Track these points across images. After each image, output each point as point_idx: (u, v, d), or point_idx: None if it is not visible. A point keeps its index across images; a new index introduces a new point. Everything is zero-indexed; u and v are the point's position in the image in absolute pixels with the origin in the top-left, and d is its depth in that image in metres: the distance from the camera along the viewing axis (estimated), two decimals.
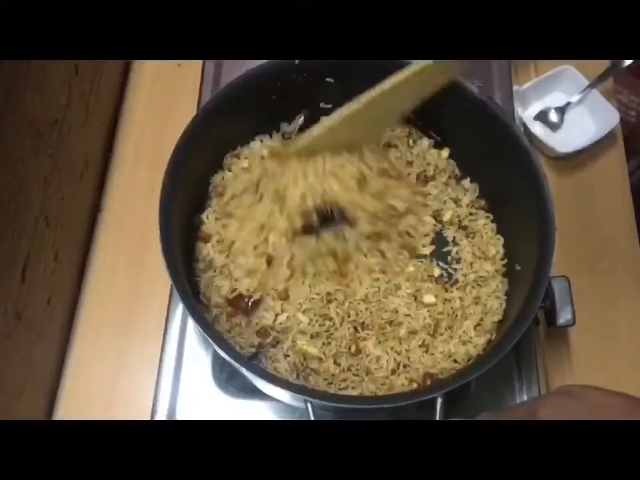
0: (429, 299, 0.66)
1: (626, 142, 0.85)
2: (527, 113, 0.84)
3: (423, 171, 0.74)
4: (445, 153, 0.74)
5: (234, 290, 0.66)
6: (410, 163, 0.74)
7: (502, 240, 0.70)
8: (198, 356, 0.71)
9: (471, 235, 0.71)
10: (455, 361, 0.64)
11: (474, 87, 0.67)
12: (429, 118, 0.73)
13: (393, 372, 0.63)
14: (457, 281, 0.68)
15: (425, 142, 0.75)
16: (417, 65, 0.59)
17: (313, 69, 0.69)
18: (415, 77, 0.59)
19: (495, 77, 0.86)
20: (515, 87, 0.85)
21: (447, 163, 0.74)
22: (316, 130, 0.63)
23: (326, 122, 0.63)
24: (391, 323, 0.65)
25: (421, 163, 0.74)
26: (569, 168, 0.83)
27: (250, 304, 0.66)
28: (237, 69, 0.68)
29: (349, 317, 0.65)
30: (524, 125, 0.83)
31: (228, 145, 0.72)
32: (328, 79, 0.71)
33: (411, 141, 0.75)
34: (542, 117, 0.85)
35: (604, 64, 0.84)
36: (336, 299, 0.65)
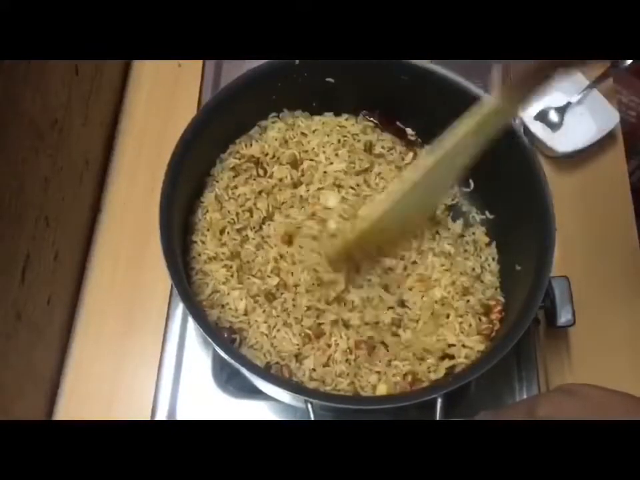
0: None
1: (626, 142, 0.85)
2: (526, 113, 0.84)
3: None
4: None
5: None
6: None
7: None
8: (198, 356, 0.71)
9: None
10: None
11: (474, 87, 0.67)
12: (427, 120, 0.73)
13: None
14: None
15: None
16: (473, 117, 0.55)
17: (312, 68, 0.69)
18: (469, 132, 0.56)
19: (495, 77, 0.86)
20: None
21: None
22: (379, 208, 0.61)
23: (389, 196, 0.61)
24: None
25: None
26: (569, 168, 0.83)
27: None
28: (236, 69, 0.68)
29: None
30: (524, 125, 0.83)
31: (228, 145, 0.72)
32: (328, 79, 0.71)
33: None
34: (542, 116, 0.85)
35: (604, 64, 0.84)
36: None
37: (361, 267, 0.66)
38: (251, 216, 0.69)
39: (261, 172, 0.71)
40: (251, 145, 0.72)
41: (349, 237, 0.64)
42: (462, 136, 0.56)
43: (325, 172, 0.71)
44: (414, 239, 0.68)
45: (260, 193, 0.70)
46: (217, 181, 0.71)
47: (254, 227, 0.69)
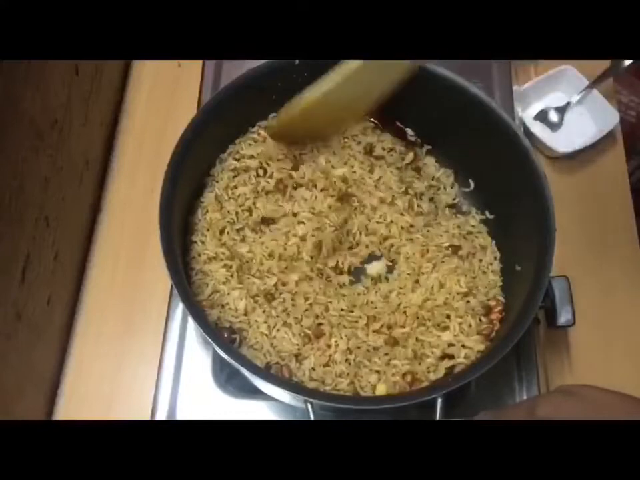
0: None
1: (626, 142, 0.85)
2: (526, 113, 0.84)
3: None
4: (451, 176, 0.76)
5: None
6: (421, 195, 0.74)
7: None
8: (198, 356, 0.71)
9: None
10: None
11: (475, 87, 0.67)
12: (427, 120, 0.73)
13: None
14: None
15: (432, 161, 0.76)
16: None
17: (312, 69, 0.69)
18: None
19: (495, 77, 0.86)
20: (515, 87, 0.85)
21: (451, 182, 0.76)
22: (293, 107, 0.66)
23: (301, 100, 0.65)
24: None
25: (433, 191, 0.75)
26: (569, 168, 0.83)
27: None
28: (236, 69, 0.68)
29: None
30: (524, 124, 0.83)
31: (228, 145, 0.72)
32: None
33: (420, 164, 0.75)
34: (542, 116, 0.85)
35: (604, 64, 0.84)
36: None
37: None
38: (250, 215, 0.69)
39: (261, 172, 0.71)
40: (251, 145, 0.72)
41: (287, 116, 0.67)
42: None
43: (326, 178, 0.71)
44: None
45: (260, 193, 0.70)
46: (217, 181, 0.71)
47: (254, 227, 0.69)
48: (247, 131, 0.73)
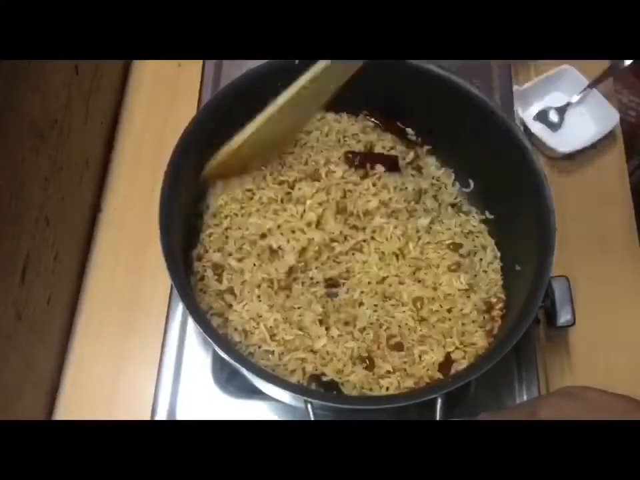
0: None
1: (626, 142, 0.85)
2: (527, 113, 0.84)
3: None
4: (451, 176, 0.75)
5: None
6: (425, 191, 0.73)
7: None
8: (198, 356, 0.71)
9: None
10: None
11: (475, 87, 0.67)
12: (427, 120, 0.73)
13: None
14: None
15: (432, 161, 0.75)
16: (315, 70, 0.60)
17: None
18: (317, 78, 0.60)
19: (495, 77, 0.86)
20: (515, 87, 0.85)
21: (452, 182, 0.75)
22: (236, 140, 0.65)
23: (245, 130, 0.64)
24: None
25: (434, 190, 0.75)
26: (569, 168, 0.83)
27: None
28: (236, 69, 0.69)
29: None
30: (524, 124, 0.83)
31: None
32: None
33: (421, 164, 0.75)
34: (542, 116, 0.85)
35: (604, 64, 0.84)
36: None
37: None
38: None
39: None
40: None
41: (223, 157, 0.66)
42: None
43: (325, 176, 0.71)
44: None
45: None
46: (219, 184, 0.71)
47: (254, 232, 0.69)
48: None
